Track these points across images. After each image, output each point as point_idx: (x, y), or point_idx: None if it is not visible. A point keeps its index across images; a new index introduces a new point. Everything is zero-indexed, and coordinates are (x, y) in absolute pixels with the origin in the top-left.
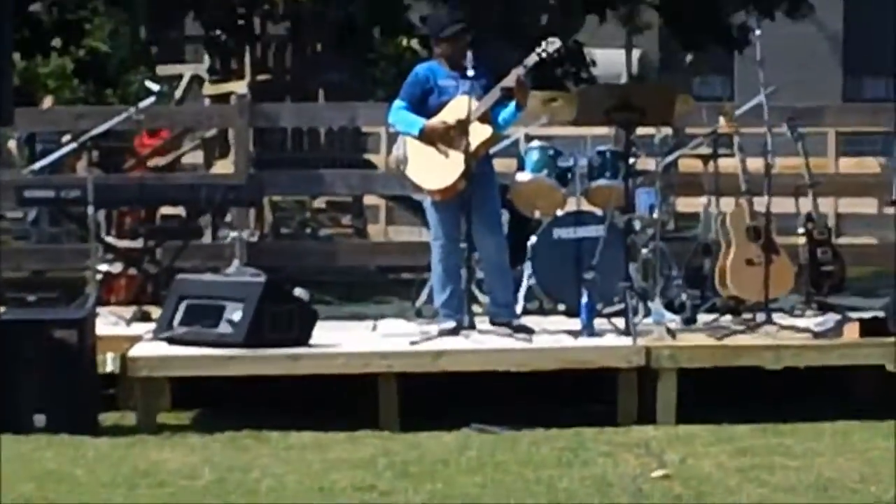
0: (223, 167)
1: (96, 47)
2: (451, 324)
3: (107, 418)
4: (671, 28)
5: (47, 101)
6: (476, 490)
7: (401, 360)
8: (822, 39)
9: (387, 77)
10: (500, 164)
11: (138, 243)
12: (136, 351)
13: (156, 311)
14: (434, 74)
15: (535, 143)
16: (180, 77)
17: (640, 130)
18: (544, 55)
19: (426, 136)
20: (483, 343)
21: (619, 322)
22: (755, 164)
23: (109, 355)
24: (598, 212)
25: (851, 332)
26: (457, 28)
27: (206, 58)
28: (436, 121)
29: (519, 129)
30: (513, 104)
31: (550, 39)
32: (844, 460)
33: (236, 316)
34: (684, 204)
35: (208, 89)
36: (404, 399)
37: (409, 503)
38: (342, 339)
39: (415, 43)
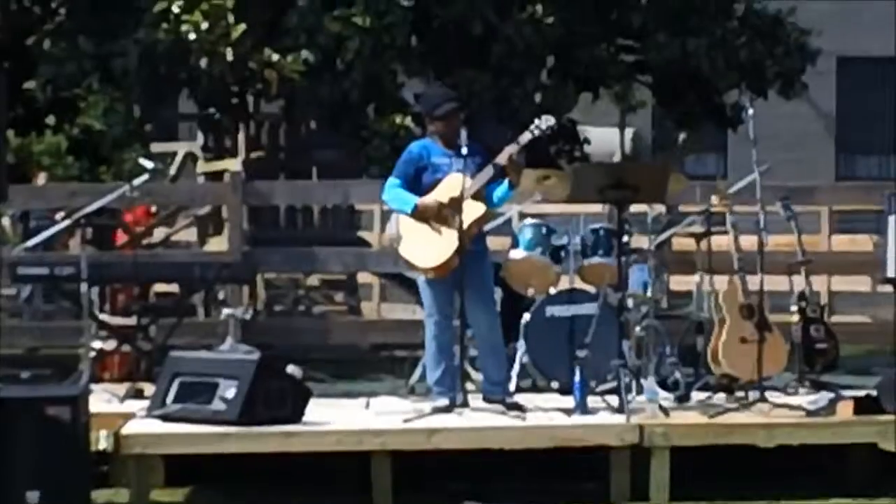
0: (217, 244)
1: (90, 125)
2: (445, 401)
3: (100, 495)
4: (664, 106)
5: (41, 179)
6: None
7: (394, 438)
8: (816, 118)
9: (380, 155)
10: (493, 242)
11: (132, 320)
12: (130, 428)
13: (149, 389)
14: (428, 152)
15: (529, 220)
16: (174, 154)
17: (634, 208)
18: (538, 132)
19: (419, 214)
20: (476, 421)
21: (613, 400)
22: (748, 241)
23: (103, 432)
24: (592, 289)
25: (845, 410)
26: (450, 107)
27: (200, 135)
28: (429, 199)
29: (512, 206)
30: (506, 182)
31: (544, 117)
32: None
33: (230, 393)
34: (677, 282)
35: (202, 167)
36: (398, 475)
37: None
38: (335, 417)
39: (409, 121)
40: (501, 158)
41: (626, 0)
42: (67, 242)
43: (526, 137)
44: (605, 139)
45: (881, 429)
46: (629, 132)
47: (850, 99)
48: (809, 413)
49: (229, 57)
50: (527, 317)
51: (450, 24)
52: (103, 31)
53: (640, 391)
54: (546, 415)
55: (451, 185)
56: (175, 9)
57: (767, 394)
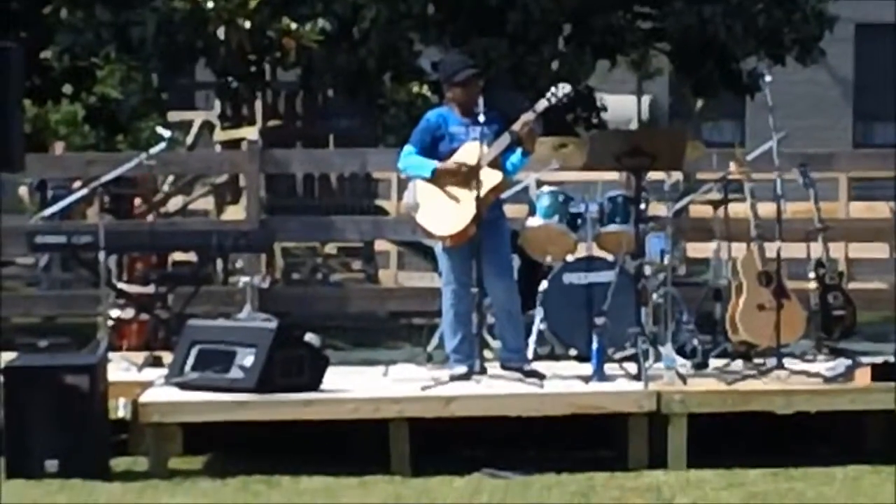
0: (234, 213)
1: (107, 94)
2: (463, 369)
3: (118, 463)
4: (682, 73)
5: (58, 148)
6: None
7: (412, 406)
8: (834, 85)
9: (397, 123)
10: (510, 210)
11: (150, 289)
12: (148, 396)
13: (167, 357)
14: (445, 121)
15: (546, 188)
16: (191, 123)
17: (651, 176)
18: (554, 100)
19: (439, 178)
20: (494, 388)
21: (630, 367)
22: (766, 209)
23: (121, 401)
24: (609, 257)
25: (862, 376)
26: (469, 73)
27: (217, 104)
28: (448, 162)
29: (530, 174)
30: (519, 150)
31: (561, 84)
32: None
33: (248, 361)
34: (695, 249)
35: (219, 135)
36: (415, 442)
37: None
38: (353, 385)
39: (426, 89)
40: (517, 126)
41: None
42: (85, 211)
43: (542, 105)
44: (622, 106)
45: None
46: (646, 99)
47: (867, 66)
48: (827, 380)
49: (247, 26)
50: (544, 284)
51: None
52: (120, 0)
53: (657, 358)
54: (564, 382)
55: (468, 153)
56: None
57: (785, 361)
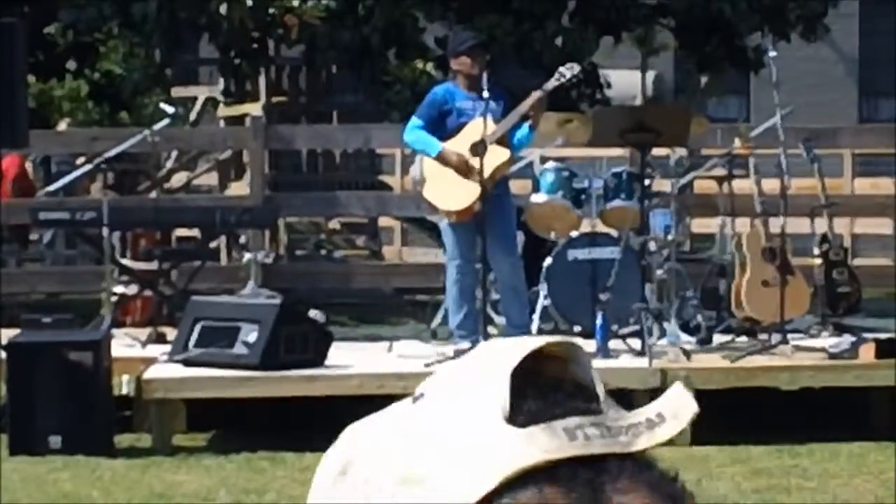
0: (238, 189)
1: (111, 70)
2: (467, 345)
3: (122, 440)
4: (686, 49)
5: (63, 126)
6: None
7: (416, 382)
8: (838, 61)
9: (401, 100)
10: (515, 186)
11: (153, 265)
12: (152, 373)
13: (171, 333)
14: (452, 96)
15: (550, 164)
16: (195, 99)
17: (656, 152)
18: (563, 80)
19: (442, 160)
20: None
21: (635, 343)
22: (770, 185)
23: (125, 377)
24: (614, 233)
25: (867, 353)
26: (472, 42)
27: (221, 80)
28: (453, 150)
29: (534, 150)
30: (527, 125)
31: (569, 64)
32: (860, 482)
33: (252, 338)
34: (699, 225)
35: (223, 111)
36: None
37: None
38: (357, 361)
39: (430, 66)
40: (526, 105)
41: None
42: (89, 187)
43: (551, 84)
44: (626, 82)
45: None
46: (651, 75)
47: (872, 41)
48: (832, 356)
49: (248, 2)
50: (549, 260)
51: None
52: None
53: (662, 334)
54: None
55: (476, 130)
56: None
57: (790, 337)
